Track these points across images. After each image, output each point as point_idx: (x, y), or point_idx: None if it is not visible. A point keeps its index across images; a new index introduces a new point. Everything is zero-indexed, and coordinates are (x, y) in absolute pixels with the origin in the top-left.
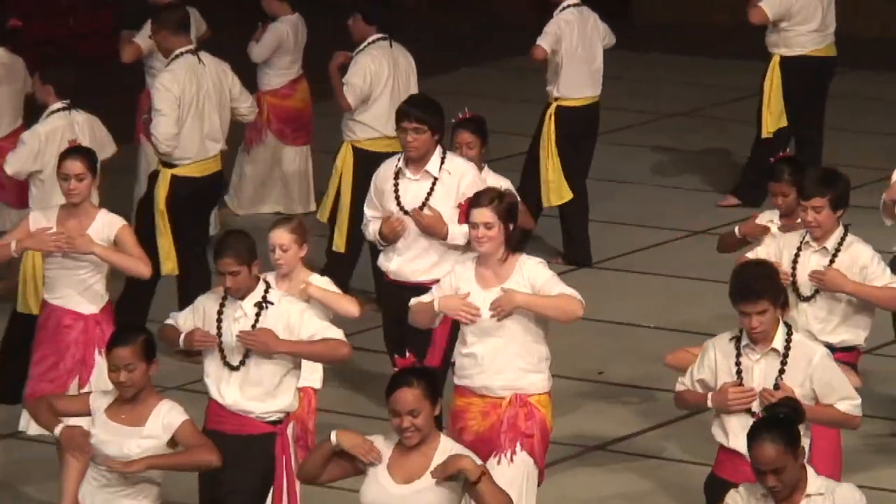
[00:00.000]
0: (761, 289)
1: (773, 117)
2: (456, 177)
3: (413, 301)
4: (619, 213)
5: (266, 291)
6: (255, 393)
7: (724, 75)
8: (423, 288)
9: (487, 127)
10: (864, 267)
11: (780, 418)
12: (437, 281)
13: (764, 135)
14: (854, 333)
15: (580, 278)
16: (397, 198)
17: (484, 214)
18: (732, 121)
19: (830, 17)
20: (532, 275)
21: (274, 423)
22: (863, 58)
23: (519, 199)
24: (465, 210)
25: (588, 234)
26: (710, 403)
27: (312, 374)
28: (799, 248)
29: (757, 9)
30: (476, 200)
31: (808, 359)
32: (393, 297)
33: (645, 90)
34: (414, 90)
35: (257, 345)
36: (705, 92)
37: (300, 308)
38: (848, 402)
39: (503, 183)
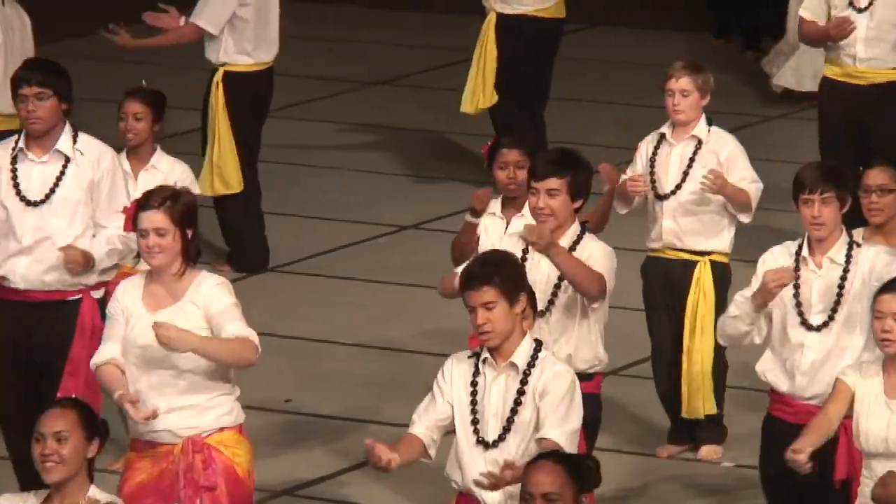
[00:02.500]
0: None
1: (481, 91)
2: (89, 158)
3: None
4: (306, 204)
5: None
6: None
7: (437, 34)
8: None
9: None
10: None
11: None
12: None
13: (466, 109)
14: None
15: (256, 286)
16: (16, 186)
17: (154, 219)
18: (447, 90)
19: None
20: (209, 298)
21: None
22: (589, 15)
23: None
24: (133, 214)
25: (264, 231)
26: None
27: None
28: (525, 250)
29: None
30: (145, 202)
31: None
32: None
33: (342, 52)
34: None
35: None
36: (415, 55)
37: None
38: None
39: (178, 169)
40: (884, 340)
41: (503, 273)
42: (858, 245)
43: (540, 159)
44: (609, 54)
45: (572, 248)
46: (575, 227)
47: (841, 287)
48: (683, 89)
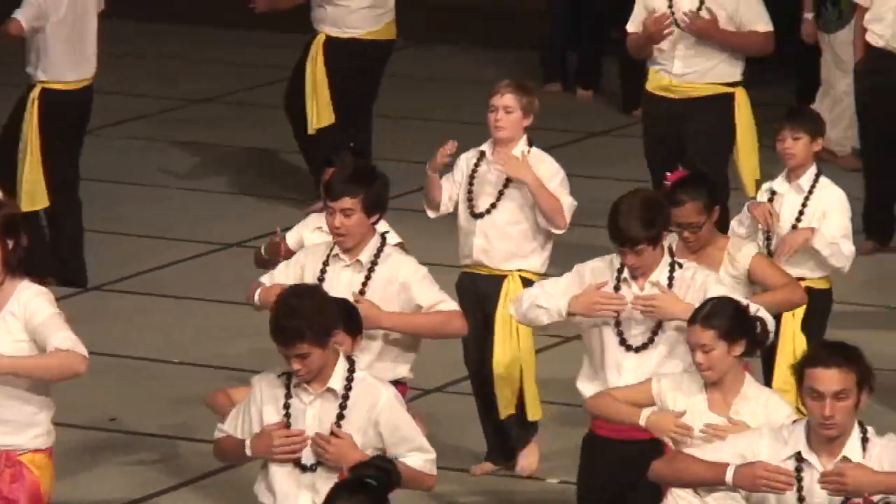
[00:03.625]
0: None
1: (321, 109)
2: None
3: None
4: (132, 222)
5: None
6: None
7: (262, 51)
8: None
9: None
10: (404, 284)
11: (365, 484)
12: None
13: (311, 130)
14: (392, 368)
15: (83, 305)
16: None
17: None
18: (272, 108)
19: None
20: (31, 308)
21: None
22: (422, 30)
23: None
24: None
25: (82, 248)
26: (248, 451)
27: None
28: (326, 262)
29: None
30: None
31: (371, 403)
32: None
33: (162, 71)
34: None
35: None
36: (240, 72)
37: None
38: (420, 456)
39: None
40: (700, 370)
41: (314, 325)
42: (681, 266)
43: (334, 179)
44: (440, 72)
45: (373, 262)
46: (375, 241)
47: None
48: (507, 106)
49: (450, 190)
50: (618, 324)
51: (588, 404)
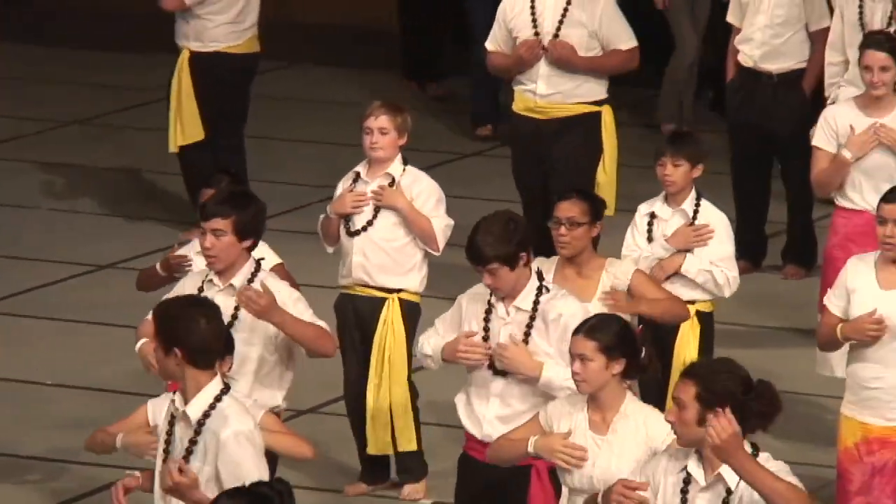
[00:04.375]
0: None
1: (180, 129)
2: None
3: None
4: (1, 244)
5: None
6: None
7: (127, 73)
8: None
9: None
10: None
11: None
12: None
13: (171, 149)
14: (271, 395)
15: None
16: None
17: None
18: (139, 129)
19: (252, 6)
20: None
21: None
22: (299, 50)
23: None
24: None
25: None
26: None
27: None
28: (201, 289)
29: None
30: None
31: None
32: None
33: (30, 93)
34: None
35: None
36: (105, 94)
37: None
38: None
39: None
40: (575, 379)
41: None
42: (548, 290)
43: (209, 200)
44: (308, 92)
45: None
46: (249, 265)
47: (527, 334)
48: (382, 127)
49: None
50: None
51: (487, 455)
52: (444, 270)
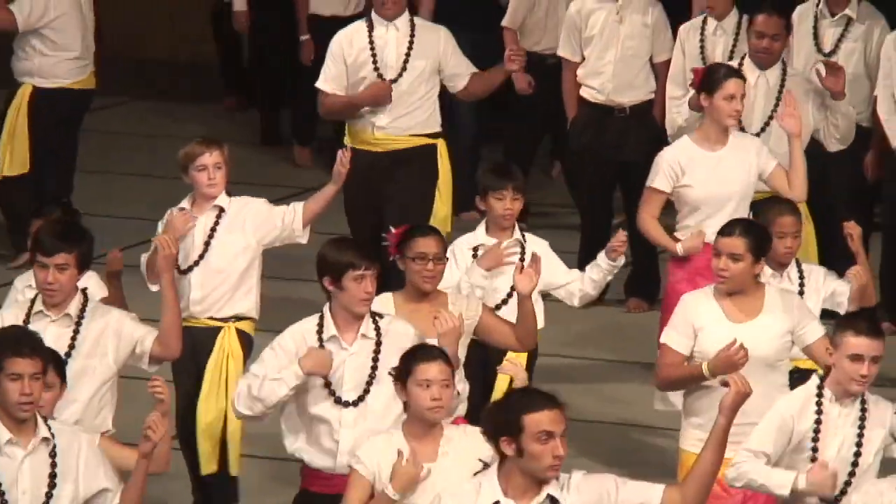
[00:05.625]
0: None
1: (8, 160)
2: None
3: None
4: None
5: None
6: None
7: None
8: None
9: None
10: (117, 330)
11: None
12: None
13: None
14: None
15: None
16: None
17: None
18: None
19: (90, 41)
20: None
21: None
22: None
23: None
24: None
25: None
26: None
27: None
28: (27, 322)
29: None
30: None
31: None
32: None
33: None
34: None
35: None
36: None
37: None
38: None
39: None
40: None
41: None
42: (381, 317)
43: (46, 235)
44: (141, 128)
45: (80, 315)
46: (79, 295)
47: (375, 360)
48: (217, 163)
49: None
50: (328, 385)
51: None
52: (273, 302)
